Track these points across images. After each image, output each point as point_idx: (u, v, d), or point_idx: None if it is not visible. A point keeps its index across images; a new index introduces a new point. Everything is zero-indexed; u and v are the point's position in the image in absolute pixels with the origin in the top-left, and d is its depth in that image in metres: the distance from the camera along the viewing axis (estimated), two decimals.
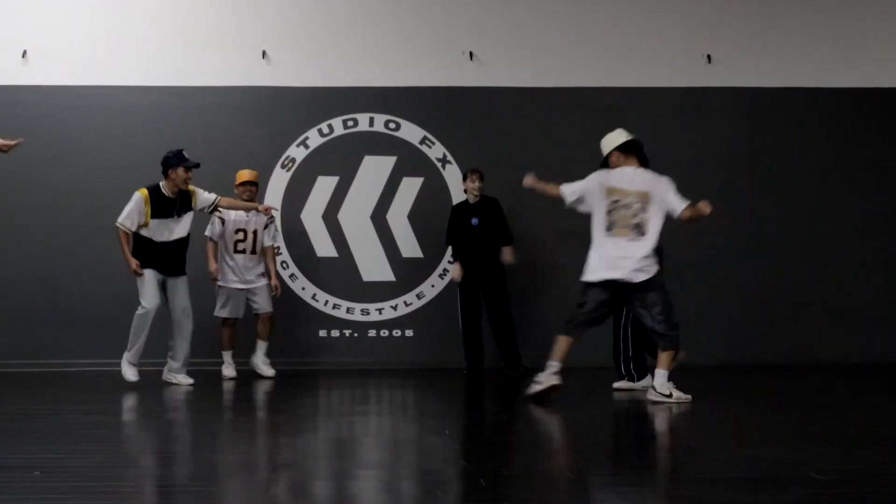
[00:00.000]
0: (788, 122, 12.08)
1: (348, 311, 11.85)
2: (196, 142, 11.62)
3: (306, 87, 11.90)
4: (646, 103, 11.95)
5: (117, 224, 10.06)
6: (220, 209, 10.54)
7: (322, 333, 11.83)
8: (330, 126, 11.92)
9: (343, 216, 11.88)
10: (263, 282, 11.04)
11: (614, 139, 8.94)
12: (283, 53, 11.94)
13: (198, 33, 11.90)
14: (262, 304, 11.05)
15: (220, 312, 11.00)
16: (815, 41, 12.16)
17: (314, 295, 11.83)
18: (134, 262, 9.99)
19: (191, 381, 10.18)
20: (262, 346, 11.07)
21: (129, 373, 10.11)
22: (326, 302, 11.83)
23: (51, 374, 11.12)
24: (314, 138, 11.91)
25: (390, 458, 6.74)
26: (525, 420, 8.40)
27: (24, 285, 11.61)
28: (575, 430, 7.87)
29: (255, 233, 11.04)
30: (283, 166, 11.85)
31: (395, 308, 11.89)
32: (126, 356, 10.16)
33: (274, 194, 11.76)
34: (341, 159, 11.89)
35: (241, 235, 10.98)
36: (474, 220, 11.27)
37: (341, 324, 11.84)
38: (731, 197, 11.69)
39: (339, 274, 11.85)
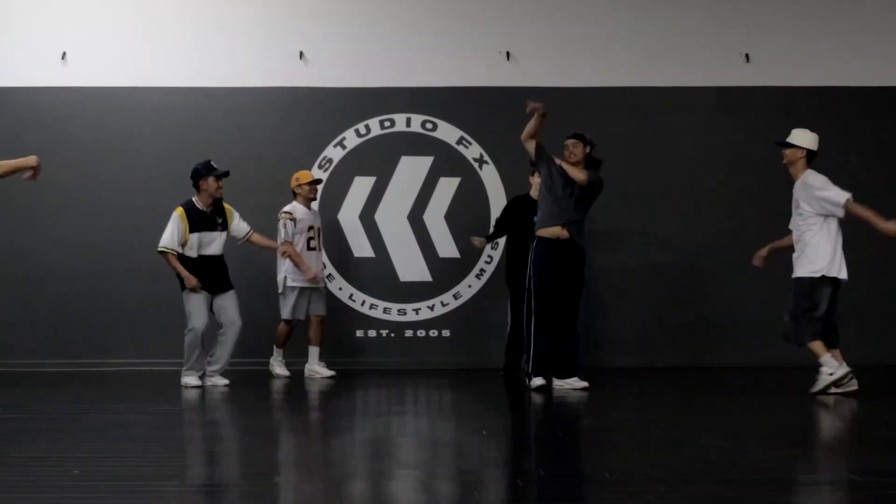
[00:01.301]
0: (827, 122, 11.90)
1: (385, 311, 11.86)
2: (233, 143, 11.68)
3: (343, 88, 11.92)
4: (683, 103, 11.89)
5: (162, 249, 10.02)
6: (253, 242, 10.48)
7: (359, 334, 11.84)
8: (367, 126, 11.93)
9: (380, 216, 11.89)
10: (323, 283, 11.08)
11: (816, 141, 9.68)
12: (321, 54, 11.96)
13: (235, 34, 11.94)
14: (320, 305, 11.08)
15: (292, 314, 10.89)
16: (854, 39, 12.03)
17: (351, 295, 11.85)
18: (194, 279, 9.97)
19: (226, 381, 10.20)
20: (315, 352, 11.04)
21: (191, 381, 10.07)
22: (363, 302, 11.85)
23: (90, 374, 11.18)
24: (351, 139, 11.93)
25: (427, 459, 6.74)
26: (561, 420, 8.38)
27: (64, 285, 11.66)
28: (609, 431, 7.84)
29: (318, 230, 11.07)
30: (320, 167, 11.87)
31: (431, 308, 11.89)
32: (184, 371, 10.15)
33: None
34: (378, 160, 11.90)
35: (311, 233, 10.98)
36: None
37: (378, 324, 11.85)
38: (768, 198, 11.57)
39: (375, 274, 11.86)
